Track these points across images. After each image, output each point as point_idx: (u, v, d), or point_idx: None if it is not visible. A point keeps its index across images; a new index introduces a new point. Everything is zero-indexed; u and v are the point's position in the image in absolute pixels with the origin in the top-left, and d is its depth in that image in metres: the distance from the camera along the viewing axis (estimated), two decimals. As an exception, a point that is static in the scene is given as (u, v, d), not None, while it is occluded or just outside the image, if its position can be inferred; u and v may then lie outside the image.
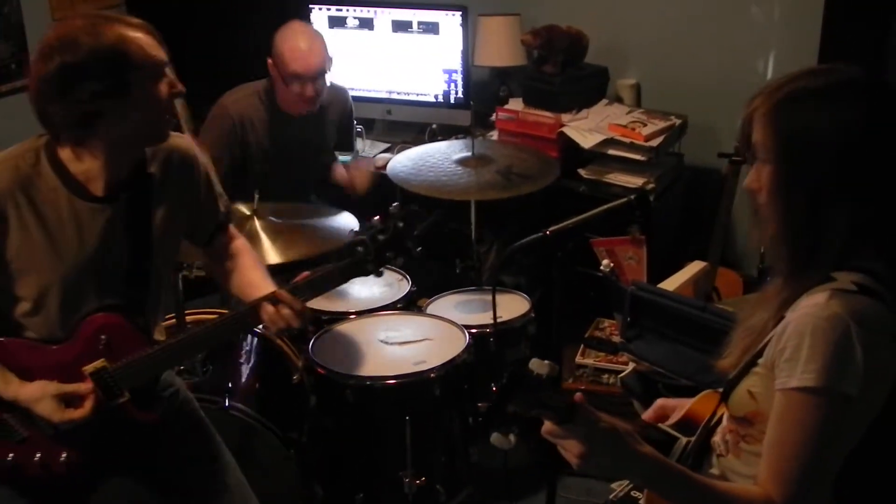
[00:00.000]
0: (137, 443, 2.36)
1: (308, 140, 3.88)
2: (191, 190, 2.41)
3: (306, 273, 2.43)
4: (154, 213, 2.30)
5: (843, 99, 1.64)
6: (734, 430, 1.81)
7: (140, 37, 2.21)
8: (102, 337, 2.23)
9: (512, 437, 1.70)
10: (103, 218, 2.22)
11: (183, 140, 2.41)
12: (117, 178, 2.22)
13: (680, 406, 2.12)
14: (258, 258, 2.63)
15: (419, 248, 2.37)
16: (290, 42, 3.65)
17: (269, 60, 3.69)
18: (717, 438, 1.88)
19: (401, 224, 2.34)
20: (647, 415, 2.16)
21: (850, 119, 1.62)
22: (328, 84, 3.77)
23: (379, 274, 2.36)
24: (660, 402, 2.18)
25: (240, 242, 2.59)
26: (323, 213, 3.60)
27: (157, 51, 2.23)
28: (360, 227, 2.35)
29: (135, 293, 2.30)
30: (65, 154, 2.19)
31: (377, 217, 2.35)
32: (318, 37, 3.74)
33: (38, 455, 2.23)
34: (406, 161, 3.59)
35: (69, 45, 2.09)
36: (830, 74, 1.67)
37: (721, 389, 1.92)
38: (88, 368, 2.20)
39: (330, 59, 3.75)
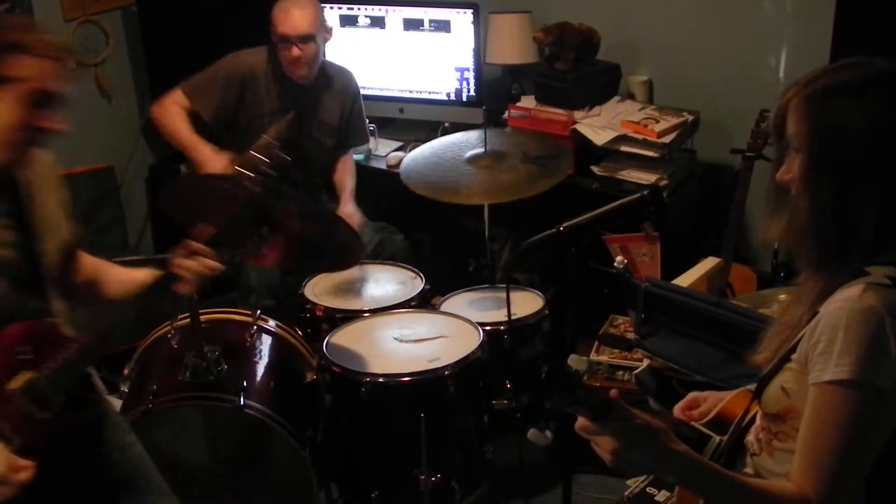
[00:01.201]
0: (73, 460, 2.28)
1: (310, 112, 3.95)
2: (49, 204, 2.33)
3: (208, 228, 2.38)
4: (28, 212, 2.23)
5: (877, 92, 1.64)
6: (767, 427, 1.80)
7: (39, 63, 2.07)
8: (21, 348, 2.14)
9: (549, 433, 1.70)
10: None
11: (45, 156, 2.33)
12: None
13: (712, 401, 2.11)
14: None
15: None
16: (283, 5, 3.78)
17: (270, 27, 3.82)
18: (750, 437, 1.87)
19: (285, 157, 2.35)
20: (678, 407, 2.15)
21: (884, 112, 1.62)
22: (322, 53, 3.88)
23: (275, 210, 2.35)
24: (692, 394, 2.17)
25: (92, 259, 2.52)
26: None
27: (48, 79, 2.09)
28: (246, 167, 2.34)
29: (39, 292, 2.22)
30: None
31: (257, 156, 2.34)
32: (309, 3, 3.83)
33: None
34: (418, 162, 3.58)
35: None
36: (865, 67, 1.68)
37: (749, 388, 1.92)
38: (16, 384, 2.10)
39: (325, 28, 3.88)
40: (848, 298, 1.61)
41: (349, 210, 3.97)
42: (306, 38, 3.76)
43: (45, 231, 2.26)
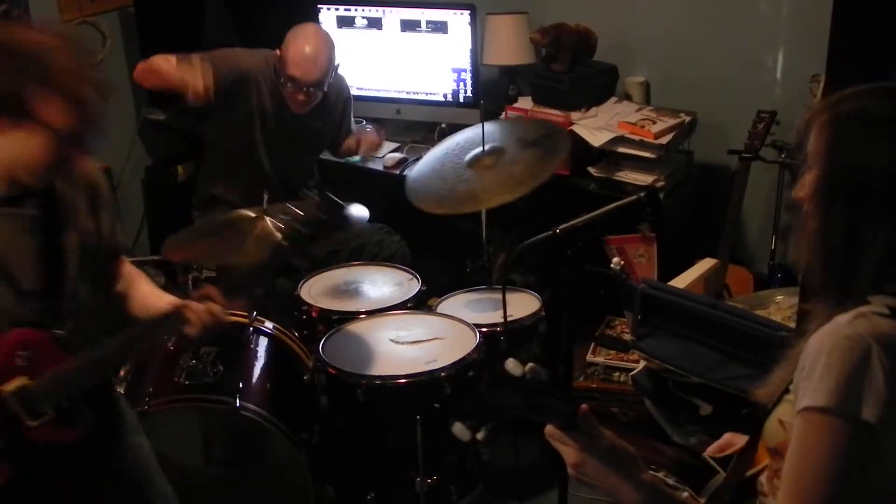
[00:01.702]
0: (55, 469, 2.26)
1: (305, 117, 3.92)
2: (93, 213, 2.35)
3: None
4: (62, 223, 2.24)
5: None
6: (770, 465, 1.73)
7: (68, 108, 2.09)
8: (20, 353, 2.14)
9: (481, 434, 1.67)
10: (8, 219, 2.15)
11: (89, 163, 2.36)
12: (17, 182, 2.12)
13: (726, 437, 2.04)
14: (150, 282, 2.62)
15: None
16: (298, 43, 3.70)
17: (277, 51, 3.75)
18: (762, 477, 1.78)
19: (322, 216, 2.53)
20: (711, 448, 2.04)
21: None
22: (324, 90, 3.83)
23: (298, 267, 2.39)
24: (727, 436, 2.07)
25: (131, 268, 2.56)
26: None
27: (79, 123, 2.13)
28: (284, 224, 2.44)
29: (49, 305, 2.22)
30: None
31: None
32: (326, 48, 3.76)
33: None
34: (422, 176, 3.57)
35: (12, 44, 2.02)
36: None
37: None
38: (9, 388, 2.10)
39: (335, 66, 3.82)
40: (837, 324, 1.55)
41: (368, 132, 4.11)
42: (317, 86, 3.74)
43: (69, 243, 2.26)
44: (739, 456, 1.83)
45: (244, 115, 3.84)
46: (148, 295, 2.49)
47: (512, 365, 1.57)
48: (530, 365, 1.57)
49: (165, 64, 3.66)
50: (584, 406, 1.57)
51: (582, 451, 1.57)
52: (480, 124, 3.45)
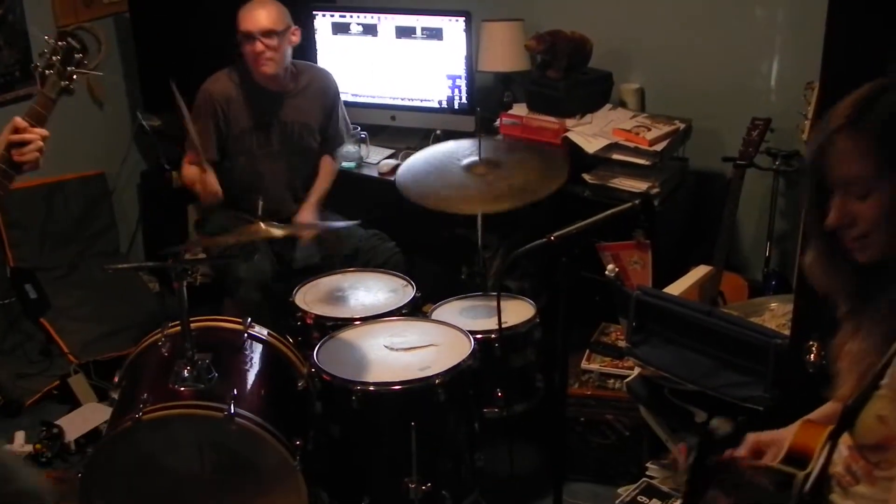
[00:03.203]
0: None
1: (289, 117, 4.01)
2: None
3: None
4: None
5: None
6: (863, 457, 1.74)
7: None
8: None
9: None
10: None
11: None
12: None
13: (776, 440, 2.01)
14: None
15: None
16: (249, 5, 3.88)
17: (238, 37, 3.89)
18: (838, 469, 1.80)
19: (62, 43, 2.65)
20: (741, 452, 2.04)
21: None
22: (287, 53, 3.94)
23: (71, 91, 2.66)
24: (752, 438, 2.06)
25: None
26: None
27: None
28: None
29: None
30: None
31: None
32: (273, 3, 3.91)
33: None
34: (414, 169, 3.59)
35: None
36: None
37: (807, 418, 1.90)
38: None
39: (290, 29, 3.93)
40: None
41: (305, 217, 4.03)
42: (269, 34, 3.84)
43: None
44: (827, 454, 1.83)
45: (234, 137, 3.96)
46: None
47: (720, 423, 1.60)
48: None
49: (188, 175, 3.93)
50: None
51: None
52: (478, 132, 3.47)
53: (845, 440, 1.79)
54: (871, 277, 1.71)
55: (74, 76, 2.63)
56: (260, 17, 3.83)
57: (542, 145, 3.94)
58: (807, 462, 1.88)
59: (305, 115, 4.05)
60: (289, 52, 3.96)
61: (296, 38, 3.99)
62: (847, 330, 1.79)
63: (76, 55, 2.65)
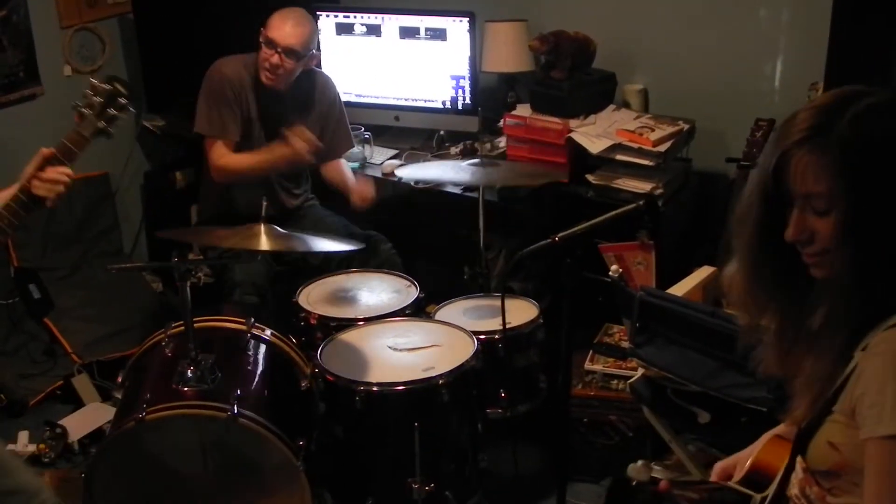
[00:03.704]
0: None
1: (290, 117, 3.97)
2: None
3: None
4: None
5: None
6: (817, 483, 1.71)
7: None
8: None
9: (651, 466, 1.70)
10: None
11: None
12: None
13: (740, 460, 2.01)
14: None
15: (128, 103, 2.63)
16: (283, 15, 3.85)
17: (262, 30, 3.85)
18: (794, 491, 1.77)
19: (107, 86, 2.57)
20: (716, 476, 2.03)
21: None
22: (293, 72, 3.89)
23: (109, 133, 2.59)
24: (718, 466, 2.04)
25: None
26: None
27: None
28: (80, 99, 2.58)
29: None
30: None
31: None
32: (309, 23, 3.90)
33: None
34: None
35: None
36: (862, 93, 1.58)
37: (775, 433, 1.88)
38: None
39: (313, 54, 3.93)
40: (886, 342, 1.52)
41: (361, 185, 4.07)
42: (291, 53, 3.79)
43: None
44: (783, 477, 1.81)
45: (246, 119, 3.89)
46: None
47: (635, 471, 1.59)
48: (653, 466, 1.59)
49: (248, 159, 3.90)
50: (663, 483, 1.57)
51: None
52: (480, 135, 3.48)
53: (801, 461, 1.76)
54: (827, 293, 1.63)
55: (114, 119, 2.58)
56: (289, 34, 3.78)
57: (544, 146, 3.94)
58: (768, 482, 1.85)
59: (305, 117, 4.03)
60: (298, 71, 3.93)
61: (314, 62, 3.98)
62: (799, 353, 1.73)
63: (120, 99, 2.58)
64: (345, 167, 4.19)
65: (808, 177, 1.58)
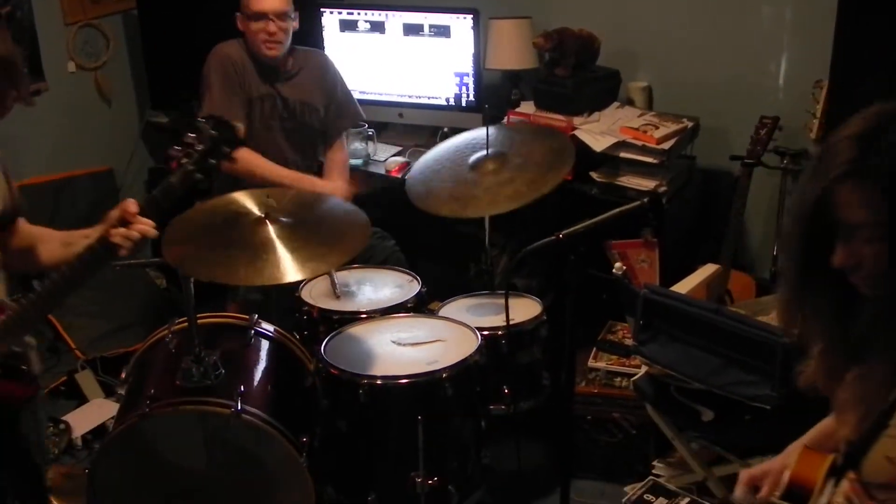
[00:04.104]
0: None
1: (290, 95, 4.00)
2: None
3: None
4: None
5: None
6: (865, 492, 1.71)
7: None
8: None
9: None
10: None
11: None
12: None
13: (770, 471, 1.98)
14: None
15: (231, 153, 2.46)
16: None
17: (238, 14, 3.89)
18: (839, 500, 1.77)
19: (214, 132, 2.39)
20: (739, 490, 2.00)
21: None
22: (289, 33, 3.92)
23: (208, 182, 2.45)
24: (745, 475, 2.02)
25: (32, 227, 2.60)
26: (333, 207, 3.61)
27: None
28: (178, 145, 2.43)
29: None
30: None
31: (188, 133, 2.42)
32: None
33: None
34: (423, 175, 3.57)
35: None
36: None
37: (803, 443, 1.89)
38: None
39: (294, 12, 3.94)
40: None
41: (332, 185, 4.04)
42: (282, 15, 3.85)
43: None
44: (833, 490, 1.80)
45: (249, 100, 3.93)
46: (66, 236, 2.53)
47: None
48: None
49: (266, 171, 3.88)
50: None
51: None
52: (486, 125, 3.46)
53: (851, 474, 1.76)
54: (876, 314, 1.64)
55: (213, 171, 2.41)
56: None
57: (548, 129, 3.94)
58: (807, 495, 1.84)
59: (306, 94, 4.04)
60: (292, 32, 3.96)
61: (296, 23, 4.00)
62: (845, 372, 1.74)
63: (224, 148, 2.40)
64: (337, 161, 4.19)
65: (854, 209, 1.57)
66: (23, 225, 2.55)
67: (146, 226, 2.37)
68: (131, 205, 2.37)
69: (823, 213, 1.61)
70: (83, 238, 2.40)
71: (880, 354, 1.65)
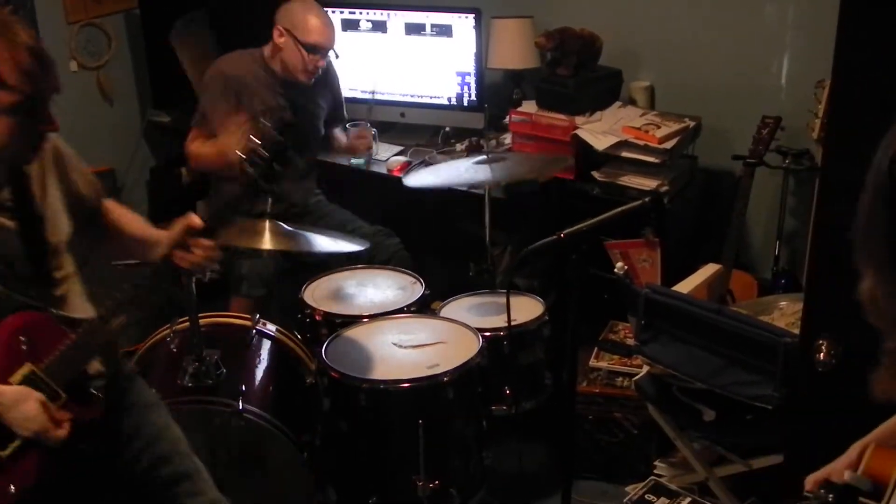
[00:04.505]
0: (89, 446, 2.23)
1: (302, 105, 3.99)
2: (65, 181, 2.32)
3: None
4: (35, 202, 2.21)
5: None
6: None
7: (23, 63, 2.02)
8: (21, 339, 2.12)
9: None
10: None
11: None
12: None
13: (835, 472, 1.90)
14: (139, 218, 2.62)
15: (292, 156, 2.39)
16: (315, 14, 3.85)
17: (280, 27, 3.82)
18: None
19: (279, 137, 2.29)
20: (811, 484, 1.93)
21: None
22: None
23: (274, 191, 2.38)
24: (811, 479, 1.94)
25: (119, 210, 2.56)
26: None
27: (38, 82, 2.06)
28: (244, 151, 2.30)
29: (39, 284, 2.19)
30: None
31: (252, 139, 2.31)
32: (328, 15, 3.94)
33: None
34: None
35: None
36: None
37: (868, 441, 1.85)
38: (15, 378, 2.08)
39: None
40: None
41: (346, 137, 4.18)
42: (330, 51, 3.88)
43: (53, 217, 2.25)
44: None
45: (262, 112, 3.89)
46: (140, 231, 2.52)
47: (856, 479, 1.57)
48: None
49: (204, 147, 3.83)
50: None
51: None
52: (486, 131, 3.47)
53: None
54: None
55: (278, 179, 2.29)
56: (331, 34, 3.85)
57: (550, 142, 3.94)
58: (882, 490, 1.79)
59: (315, 102, 4.05)
60: None
61: None
62: None
63: (287, 153, 2.29)
64: (339, 133, 4.26)
65: None
66: (112, 209, 2.54)
67: (208, 249, 2.28)
68: (194, 220, 2.29)
69: None
70: (156, 243, 2.37)
71: None
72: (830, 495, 1.60)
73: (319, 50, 3.81)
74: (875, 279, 1.54)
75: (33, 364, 2.12)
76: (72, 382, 2.17)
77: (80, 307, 2.31)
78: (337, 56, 3.95)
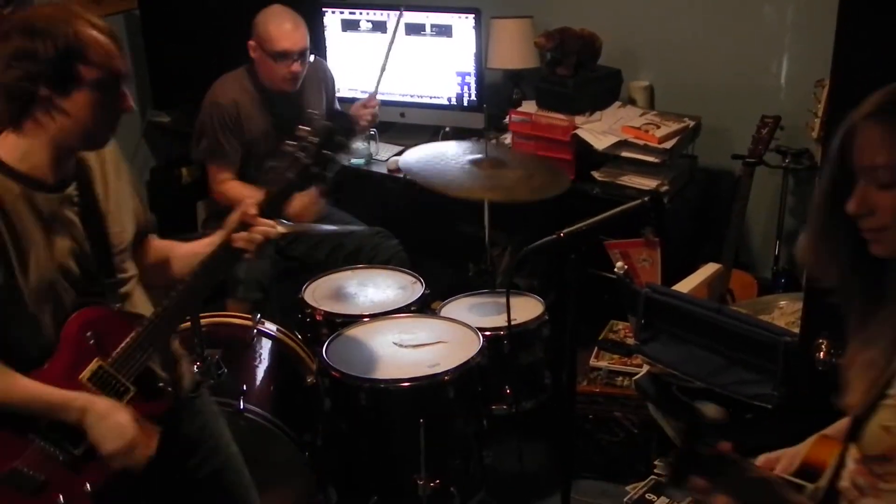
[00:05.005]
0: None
1: (297, 115, 3.90)
2: (121, 187, 2.33)
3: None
4: (99, 199, 2.22)
5: None
6: (869, 469, 1.70)
7: (103, 42, 2.10)
8: (88, 334, 2.12)
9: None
10: (60, 207, 2.12)
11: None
12: (62, 169, 2.12)
13: (787, 456, 1.99)
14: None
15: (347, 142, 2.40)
16: (277, 21, 3.80)
17: (252, 42, 3.82)
18: (845, 483, 1.76)
19: (328, 123, 2.31)
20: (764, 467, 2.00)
21: None
22: (307, 65, 3.91)
23: (325, 176, 2.32)
24: (762, 458, 2.02)
25: (162, 242, 2.54)
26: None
27: (117, 61, 2.11)
28: (293, 138, 2.30)
29: (104, 281, 2.20)
30: (5, 146, 2.06)
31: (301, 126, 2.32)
32: (300, 18, 3.88)
33: (60, 497, 2.08)
34: (418, 157, 3.60)
35: (30, 28, 2.01)
36: None
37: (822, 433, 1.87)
38: (85, 375, 2.09)
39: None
40: None
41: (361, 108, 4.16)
42: (303, 54, 3.82)
43: (116, 216, 2.25)
44: (835, 469, 1.80)
45: (245, 139, 3.90)
46: (191, 248, 2.46)
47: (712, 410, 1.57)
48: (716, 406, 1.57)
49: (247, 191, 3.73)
50: (725, 444, 1.58)
51: (733, 494, 1.57)
52: (486, 131, 3.47)
53: (852, 454, 1.75)
54: (883, 275, 1.66)
55: (330, 163, 2.29)
56: (298, 36, 3.79)
57: (550, 142, 3.94)
58: (819, 475, 1.84)
59: (314, 105, 4.03)
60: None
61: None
62: (857, 338, 1.73)
63: (339, 137, 2.29)
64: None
65: (873, 149, 1.58)
66: (154, 241, 2.51)
67: (267, 227, 2.27)
68: (250, 206, 2.27)
69: (845, 155, 1.62)
70: (209, 247, 2.33)
71: (884, 321, 1.65)
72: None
73: (288, 55, 3.78)
74: (808, 232, 1.74)
75: (101, 359, 2.13)
76: (140, 377, 2.18)
77: (143, 306, 2.32)
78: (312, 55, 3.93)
